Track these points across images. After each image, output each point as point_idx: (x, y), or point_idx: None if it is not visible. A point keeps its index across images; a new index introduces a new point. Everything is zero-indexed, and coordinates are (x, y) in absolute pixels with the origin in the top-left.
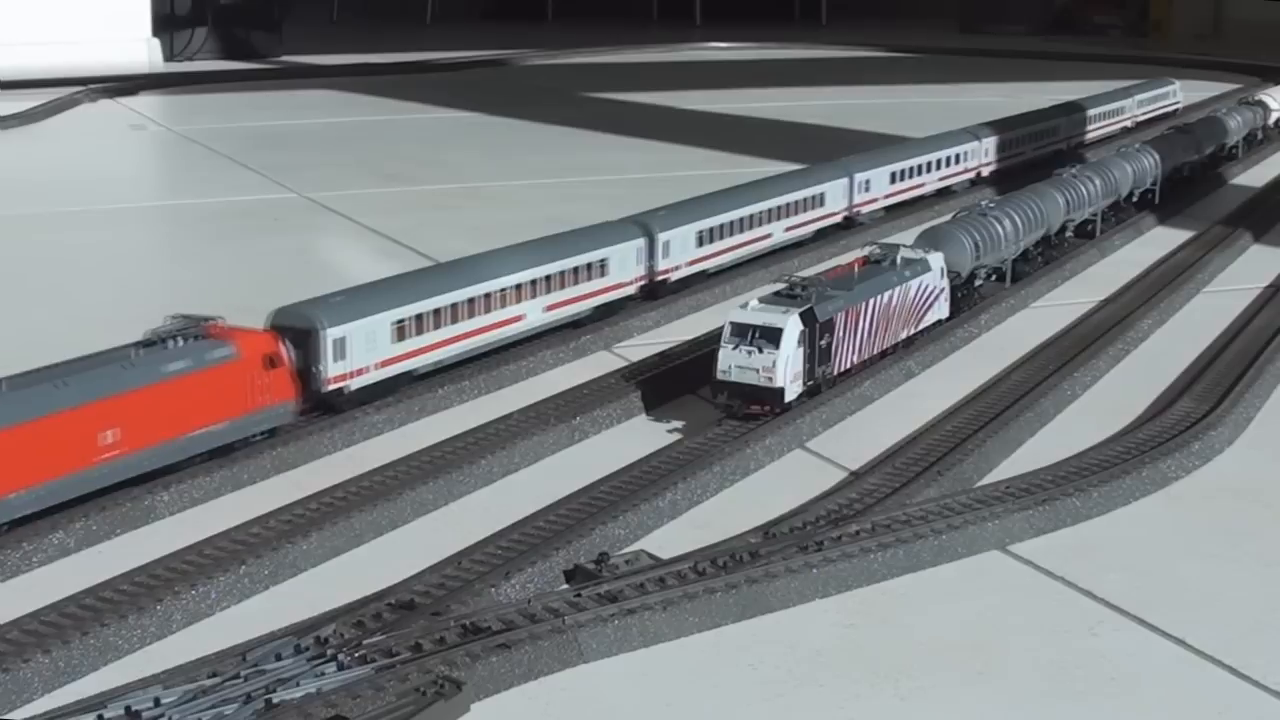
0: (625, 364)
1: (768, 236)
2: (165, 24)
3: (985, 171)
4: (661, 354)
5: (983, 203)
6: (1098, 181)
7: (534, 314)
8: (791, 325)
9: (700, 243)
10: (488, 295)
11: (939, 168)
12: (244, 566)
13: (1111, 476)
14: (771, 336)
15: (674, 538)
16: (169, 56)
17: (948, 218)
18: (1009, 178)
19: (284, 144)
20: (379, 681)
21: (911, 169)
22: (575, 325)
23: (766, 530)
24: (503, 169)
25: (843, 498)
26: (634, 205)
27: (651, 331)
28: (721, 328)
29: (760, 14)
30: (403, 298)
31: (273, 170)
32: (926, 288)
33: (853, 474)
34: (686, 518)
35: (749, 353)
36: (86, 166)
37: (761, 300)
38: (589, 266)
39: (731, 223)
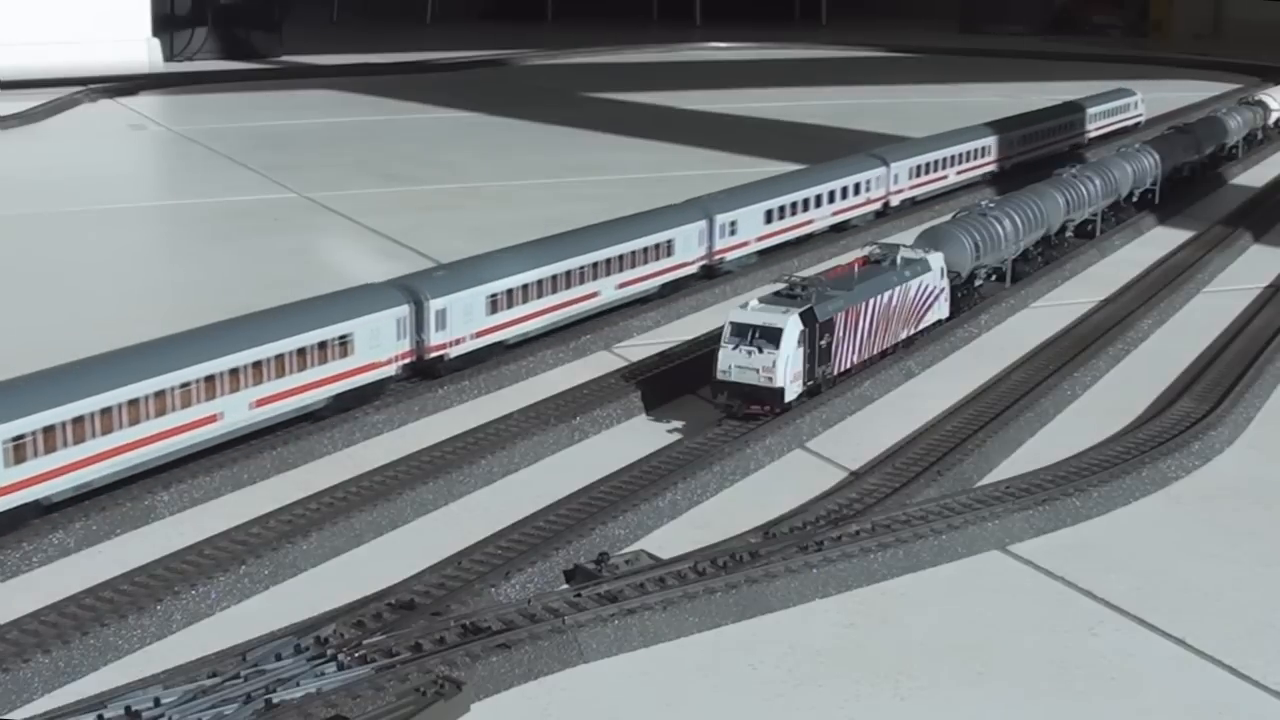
0: (625, 364)
1: (593, 295)
2: (165, 24)
3: (896, 201)
4: (661, 354)
5: (983, 203)
6: (1098, 181)
7: (236, 412)
8: (791, 325)
9: (494, 309)
10: (139, 400)
11: (832, 200)
12: (244, 566)
13: (1111, 476)
14: (771, 336)
15: (674, 538)
16: (169, 56)
17: (948, 218)
18: (926, 207)
19: (284, 144)
20: (379, 681)
21: (794, 205)
22: (575, 324)
23: (766, 530)
24: (503, 169)
25: (843, 498)
26: (633, 205)
27: (651, 331)
28: (721, 328)
29: (760, 14)
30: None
31: (273, 170)
32: (926, 288)
33: (853, 474)
34: (686, 518)
35: (749, 353)
36: (86, 166)
37: (761, 300)
38: (322, 346)
39: (540, 282)
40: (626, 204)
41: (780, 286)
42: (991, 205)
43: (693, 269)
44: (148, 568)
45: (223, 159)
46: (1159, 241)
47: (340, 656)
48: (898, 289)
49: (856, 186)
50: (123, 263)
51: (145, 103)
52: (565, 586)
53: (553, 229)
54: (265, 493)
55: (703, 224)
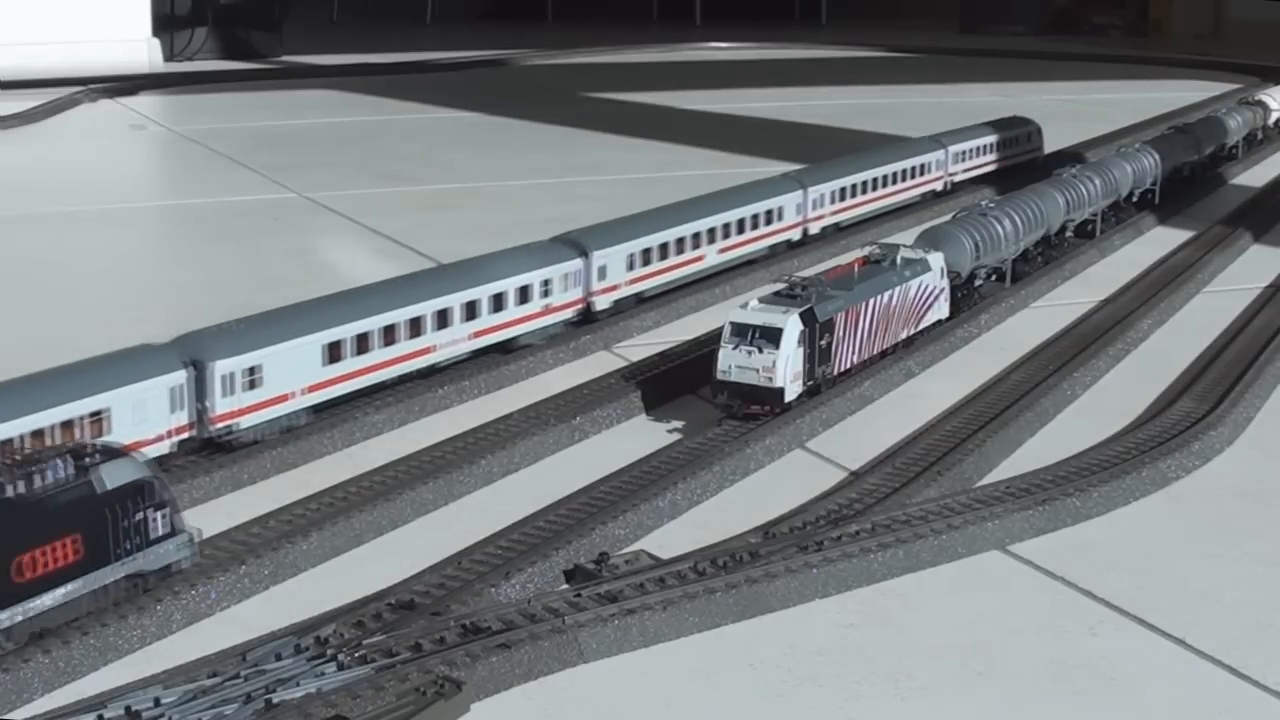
0: (625, 364)
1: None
2: (165, 24)
3: (604, 302)
4: (661, 354)
5: (983, 203)
6: (1098, 181)
7: None
8: (791, 325)
9: None
10: None
11: (474, 315)
12: (244, 566)
13: (1111, 476)
14: (771, 336)
15: (674, 538)
16: (169, 56)
17: (947, 218)
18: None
19: (284, 144)
20: (379, 681)
21: (387, 331)
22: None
23: (766, 530)
24: (503, 169)
25: (843, 498)
26: (634, 205)
27: (651, 331)
28: (721, 328)
29: (760, 14)
30: None
31: (273, 170)
32: (926, 288)
33: (853, 474)
34: (686, 518)
35: (749, 353)
36: (86, 166)
37: (761, 300)
38: None
39: None
40: (627, 204)
41: (780, 286)
42: (991, 205)
43: (164, 446)
44: None
45: (223, 159)
46: (1159, 241)
47: (340, 656)
48: (898, 289)
49: (524, 290)
50: (123, 263)
51: (145, 103)
52: (565, 586)
53: (554, 229)
54: (265, 493)
55: (180, 377)
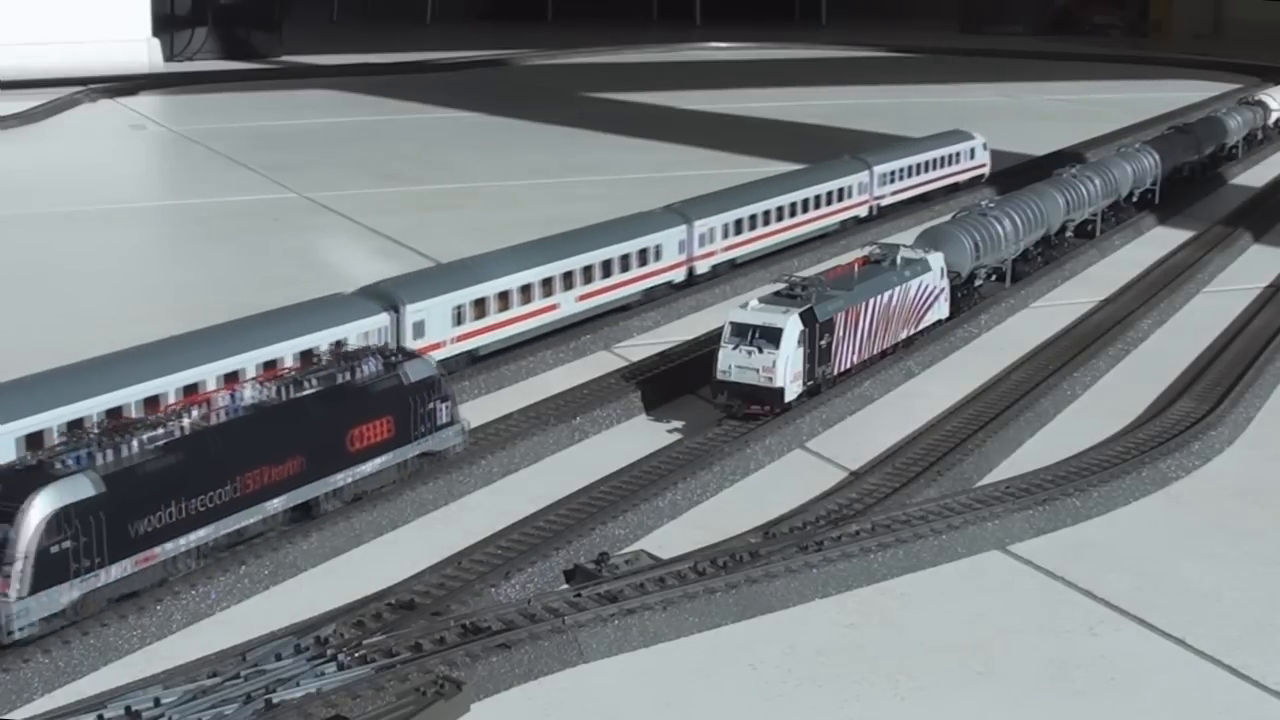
0: (625, 364)
1: None
2: (165, 24)
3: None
4: (661, 354)
5: (983, 203)
6: (1098, 181)
7: None
8: (791, 325)
9: None
10: None
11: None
12: (244, 566)
13: (1111, 476)
14: (771, 336)
15: (674, 538)
16: (169, 56)
17: (947, 218)
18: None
19: (284, 144)
20: (379, 681)
21: (133, 409)
22: (575, 325)
23: (766, 530)
24: (503, 169)
25: (843, 498)
26: (634, 205)
27: (651, 331)
28: (721, 328)
29: (760, 14)
30: None
31: (273, 170)
32: (926, 288)
33: (853, 474)
34: (686, 518)
35: (749, 353)
36: (86, 166)
37: (761, 300)
38: None
39: None
40: (627, 204)
41: (780, 286)
42: (991, 205)
43: None
44: None
45: (223, 159)
46: (1159, 241)
47: (340, 656)
48: (898, 289)
49: (310, 355)
50: (123, 262)
51: (145, 103)
52: (565, 586)
53: (553, 229)
54: None
55: None
